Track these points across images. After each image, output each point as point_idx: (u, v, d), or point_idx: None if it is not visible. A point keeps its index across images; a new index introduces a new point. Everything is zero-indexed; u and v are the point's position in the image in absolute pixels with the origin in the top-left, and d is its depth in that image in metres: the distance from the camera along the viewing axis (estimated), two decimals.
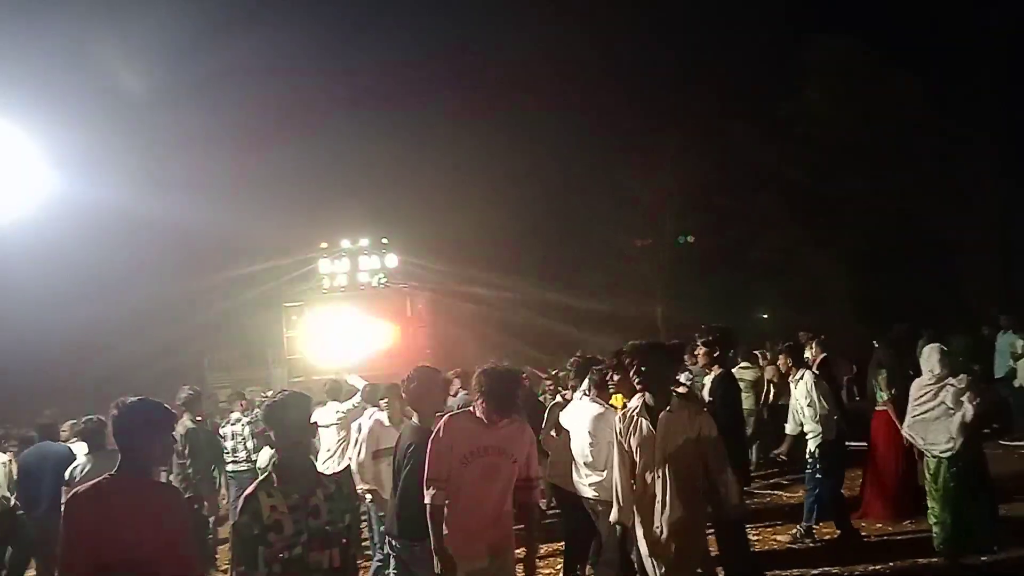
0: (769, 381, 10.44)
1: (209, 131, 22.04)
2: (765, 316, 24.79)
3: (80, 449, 7.04)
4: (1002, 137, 20.43)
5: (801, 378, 7.36)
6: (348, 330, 16.92)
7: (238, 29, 23.30)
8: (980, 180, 20.68)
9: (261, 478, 3.49)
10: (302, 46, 25.06)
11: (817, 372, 7.80)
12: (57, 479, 6.42)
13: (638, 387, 4.50)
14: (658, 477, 4.32)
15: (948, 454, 6.02)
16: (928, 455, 6.23)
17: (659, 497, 4.31)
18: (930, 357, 6.19)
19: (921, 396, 6.20)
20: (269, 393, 8.68)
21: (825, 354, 10.19)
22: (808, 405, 7.15)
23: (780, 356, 8.36)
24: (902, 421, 6.59)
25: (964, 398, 5.94)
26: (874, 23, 22.40)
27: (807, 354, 9.56)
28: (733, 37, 25.13)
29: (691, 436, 4.30)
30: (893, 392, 7.42)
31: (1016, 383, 11.26)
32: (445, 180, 25.20)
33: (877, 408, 7.70)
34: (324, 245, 17.56)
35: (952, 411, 5.97)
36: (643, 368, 4.42)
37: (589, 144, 25.96)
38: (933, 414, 6.10)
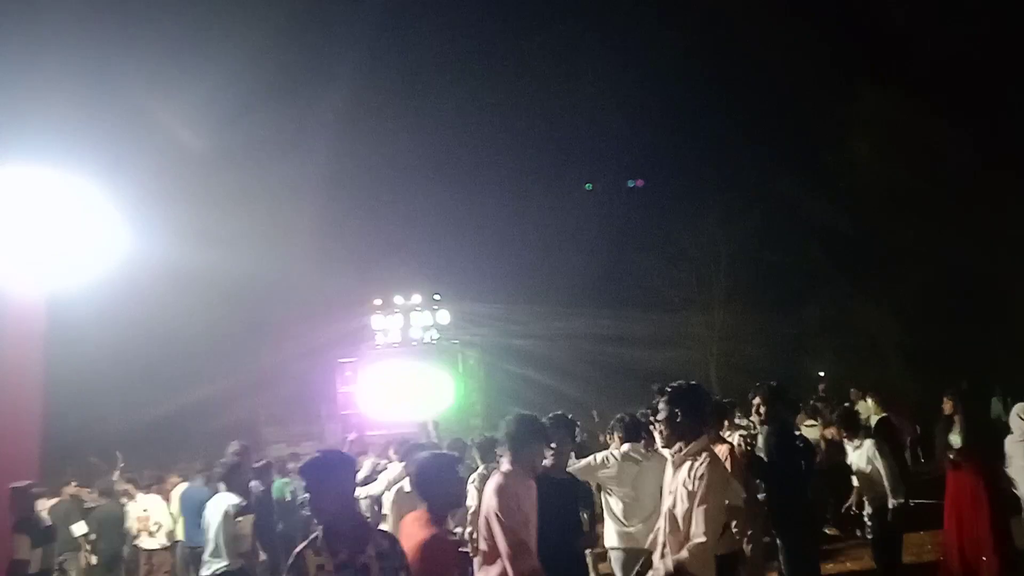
0: (827, 440, 10.22)
1: (266, 190, 22.72)
2: (821, 373, 24.41)
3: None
4: None
5: (860, 446, 7.15)
6: (401, 386, 17.15)
7: (297, 88, 24.20)
8: None
9: (312, 536, 3.46)
10: (357, 106, 25.82)
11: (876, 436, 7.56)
12: None
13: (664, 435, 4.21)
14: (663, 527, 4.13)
15: None
16: None
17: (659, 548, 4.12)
18: (1017, 417, 6.41)
19: (1016, 452, 6.41)
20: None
21: (885, 413, 9.96)
22: (870, 472, 6.97)
23: (832, 426, 8.17)
24: (983, 477, 6.52)
25: None
26: (922, 72, 22.35)
27: (861, 408, 9.33)
28: (779, 90, 25.34)
29: (691, 490, 3.96)
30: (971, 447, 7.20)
31: None
32: (498, 235, 25.61)
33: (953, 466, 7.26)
34: (378, 302, 17.90)
35: None
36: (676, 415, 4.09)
37: (640, 199, 26.25)
38: None
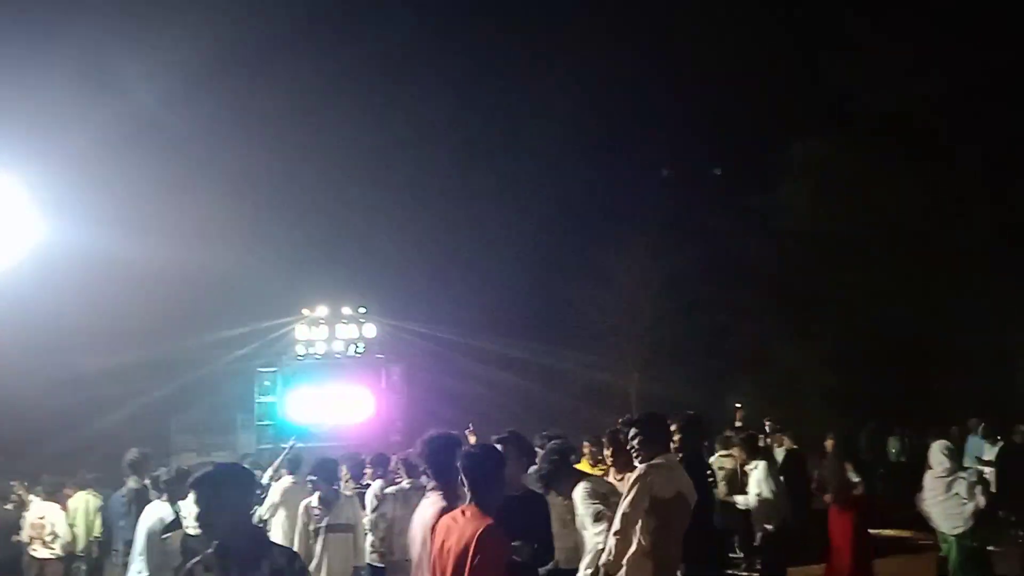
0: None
1: (192, 183, 22.14)
2: (739, 405, 24.84)
3: None
4: (983, 246, 20.85)
5: (755, 468, 7.52)
6: (321, 399, 16.81)
7: (230, 80, 23.69)
8: (955, 287, 21.01)
9: (207, 551, 3.34)
10: (294, 105, 25.47)
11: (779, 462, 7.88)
12: None
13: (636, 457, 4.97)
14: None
15: (958, 531, 6.99)
16: (941, 535, 7.23)
17: None
18: (939, 453, 7.20)
19: (935, 487, 7.16)
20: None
21: (796, 446, 10.22)
22: (757, 494, 7.32)
23: (735, 447, 8.49)
24: (855, 515, 7.11)
25: (976, 490, 6.98)
26: (857, 124, 23.10)
27: (774, 443, 9.60)
28: (715, 129, 25.93)
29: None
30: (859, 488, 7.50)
31: None
32: (428, 253, 25.44)
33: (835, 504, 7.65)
34: (306, 312, 17.56)
35: (965, 501, 6.93)
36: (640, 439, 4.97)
37: (572, 222, 26.46)
38: (948, 502, 7.05)
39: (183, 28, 20.85)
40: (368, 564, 7.23)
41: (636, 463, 5.05)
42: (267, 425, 17.00)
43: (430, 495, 4.43)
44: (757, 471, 7.48)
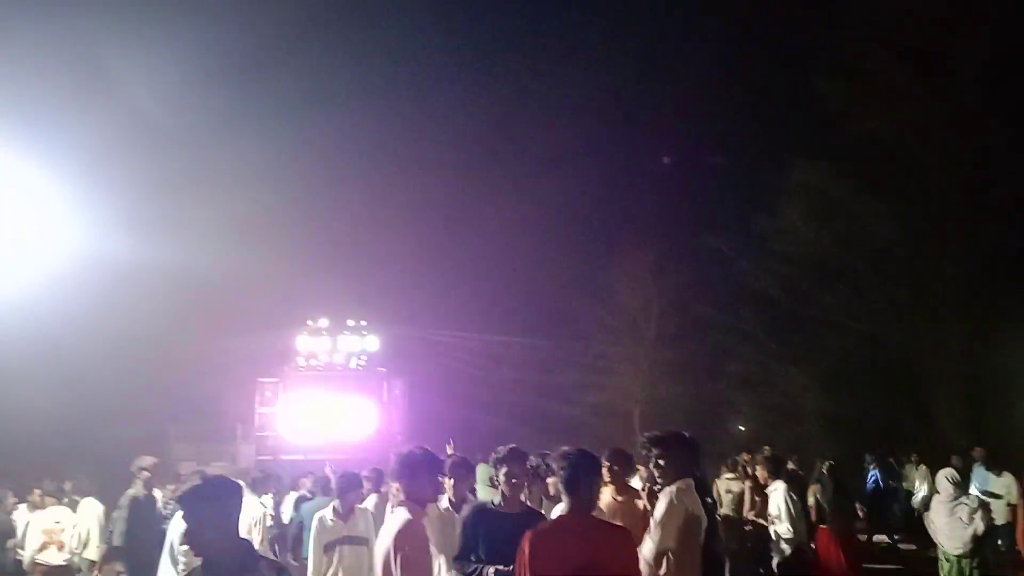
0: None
1: (199, 191, 22.20)
2: (742, 428, 24.88)
3: None
4: (970, 269, 21.01)
5: (776, 489, 7.55)
6: (322, 410, 16.77)
7: (242, 91, 23.84)
8: (950, 310, 21.15)
9: (195, 567, 3.32)
10: (294, 122, 25.61)
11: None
12: None
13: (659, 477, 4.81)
14: None
15: (959, 552, 7.55)
16: (944, 557, 7.75)
17: None
18: (945, 480, 7.74)
19: (941, 511, 7.73)
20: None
21: (798, 471, 10.22)
22: (776, 516, 7.36)
23: (758, 466, 8.48)
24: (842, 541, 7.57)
25: (977, 516, 7.51)
26: (855, 148, 23.31)
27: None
28: (717, 153, 26.15)
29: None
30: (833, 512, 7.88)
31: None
32: (431, 266, 25.54)
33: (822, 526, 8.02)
34: (310, 322, 17.55)
35: (967, 524, 7.48)
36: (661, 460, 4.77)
37: (575, 241, 26.61)
38: (951, 524, 7.61)
39: (199, 39, 20.98)
40: None
41: (658, 482, 4.89)
42: (266, 435, 16.96)
43: (397, 508, 4.45)
44: (777, 493, 7.49)
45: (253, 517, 7.86)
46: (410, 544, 4.12)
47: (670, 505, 4.57)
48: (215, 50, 21.49)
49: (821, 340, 22.89)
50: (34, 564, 8.52)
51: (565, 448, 4.15)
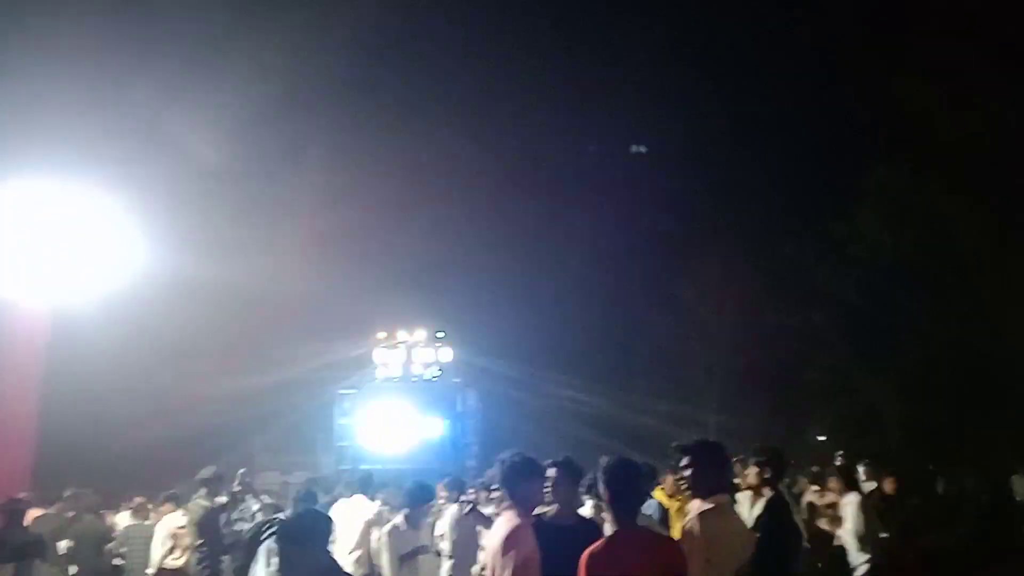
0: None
1: (275, 213, 22.89)
2: (822, 438, 24.31)
3: None
4: None
5: (849, 502, 7.26)
6: (399, 421, 17.12)
7: (311, 113, 24.52)
8: None
9: None
10: (370, 140, 26.14)
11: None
12: None
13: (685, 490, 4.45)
14: None
15: None
16: None
17: None
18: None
19: None
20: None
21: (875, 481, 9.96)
22: (851, 529, 7.07)
23: (831, 479, 8.10)
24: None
25: None
26: (933, 150, 22.62)
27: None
28: (788, 156, 25.70)
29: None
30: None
31: None
32: (504, 277, 25.76)
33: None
34: (382, 335, 17.96)
35: None
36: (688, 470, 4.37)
37: (646, 254, 26.46)
38: None
39: (266, 59, 21.68)
40: None
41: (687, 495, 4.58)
42: (346, 445, 17.40)
43: (505, 513, 4.43)
44: (851, 505, 7.19)
45: (368, 518, 8.08)
46: (519, 550, 4.08)
47: (688, 536, 4.13)
48: (285, 75, 22.21)
49: (903, 347, 22.22)
50: (160, 569, 8.87)
51: (605, 458, 4.05)
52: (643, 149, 27.98)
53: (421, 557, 6.75)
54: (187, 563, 8.47)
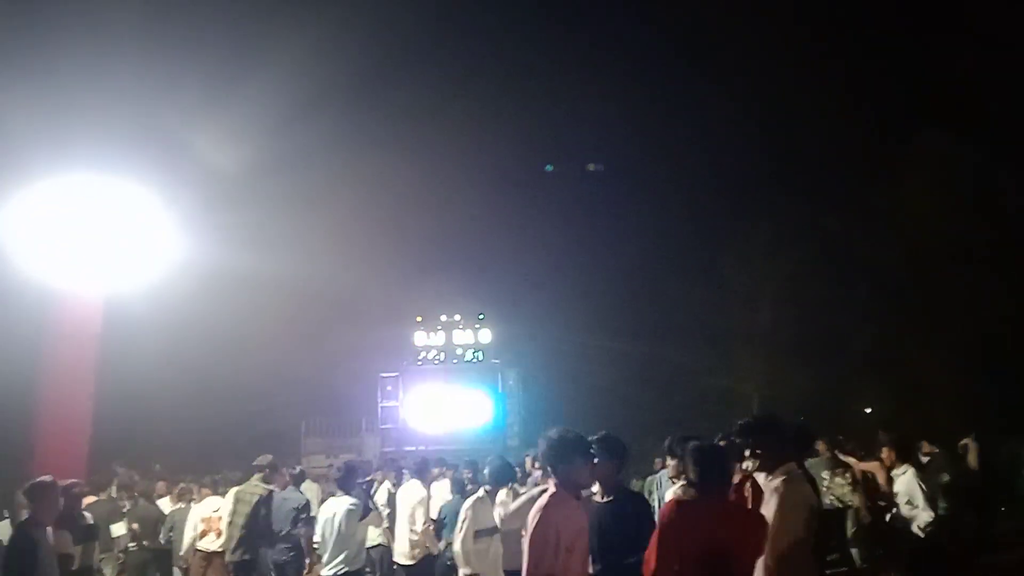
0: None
1: (316, 200, 23.06)
2: (869, 410, 23.91)
3: None
4: None
5: (904, 473, 7.05)
6: (440, 402, 17.30)
7: (351, 100, 24.60)
8: None
9: None
10: (412, 119, 26.16)
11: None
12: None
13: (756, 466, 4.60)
14: None
15: None
16: None
17: None
18: None
19: None
20: None
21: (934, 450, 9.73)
22: (907, 503, 6.87)
23: (884, 448, 7.83)
24: None
25: None
26: (982, 118, 21.94)
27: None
28: (833, 125, 25.12)
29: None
30: None
31: None
32: (543, 257, 25.71)
33: None
34: (420, 319, 18.11)
35: None
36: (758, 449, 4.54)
37: (688, 227, 26.23)
38: None
39: (310, 47, 21.81)
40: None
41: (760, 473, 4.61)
42: (388, 428, 17.64)
43: (552, 488, 4.23)
44: (906, 476, 6.98)
45: (413, 502, 8.30)
46: (567, 529, 3.98)
47: (782, 500, 4.22)
48: (322, 68, 22.29)
49: (951, 315, 21.70)
50: (194, 551, 9.16)
51: (694, 442, 4.39)
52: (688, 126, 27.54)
53: (497, 536, 6.61)
54: (224, 546, 8.64)
